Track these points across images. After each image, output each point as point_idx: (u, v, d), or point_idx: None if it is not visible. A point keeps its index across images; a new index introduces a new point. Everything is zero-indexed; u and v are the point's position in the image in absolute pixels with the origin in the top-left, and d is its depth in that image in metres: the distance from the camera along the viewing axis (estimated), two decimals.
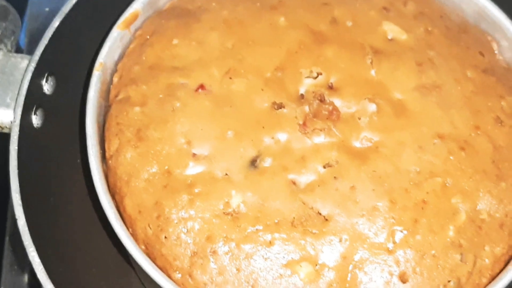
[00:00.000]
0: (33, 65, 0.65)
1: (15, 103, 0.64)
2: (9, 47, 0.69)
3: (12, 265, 0.80)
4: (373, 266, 0.58)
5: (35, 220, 0.60)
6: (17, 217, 0.59)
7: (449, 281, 0.59)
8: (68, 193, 0.68)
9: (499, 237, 0.61)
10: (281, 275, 0.58)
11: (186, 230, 0.59)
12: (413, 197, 0.60)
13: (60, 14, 0.68)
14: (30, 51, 0.89)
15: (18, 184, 0.60)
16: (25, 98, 0.64)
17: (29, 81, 0.64)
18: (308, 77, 0.65)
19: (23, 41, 0.93)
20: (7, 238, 0.81)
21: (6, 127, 0.65)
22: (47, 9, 0.99)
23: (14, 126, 0.63)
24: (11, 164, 0.61)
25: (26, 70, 0.65)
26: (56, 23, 0.67)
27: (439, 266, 0.59)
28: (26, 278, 0.81)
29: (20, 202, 0.59)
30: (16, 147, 0.62)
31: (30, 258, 0.57)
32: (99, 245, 0.68)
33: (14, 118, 0.63)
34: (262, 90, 0.64)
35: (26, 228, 0.58)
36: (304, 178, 0.61)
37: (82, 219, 0.68)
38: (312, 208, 0.60)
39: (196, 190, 0.60)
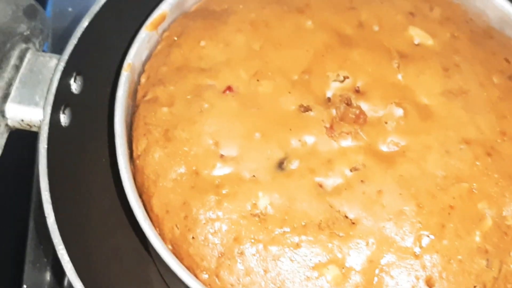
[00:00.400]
0: (62, 64, 0.66)
1: (45, 101, 0.64)
2: (37, 46, 0.70)
3: (35, 262, 0.81)
4: (400, 270, 0.58)
5: (63, 218, 0.60)
6: (46, 215, 0.59)
7: (474, 287, 0.59)
8: (95, 191, 0.69)
9: None
10: (308, 277, 0.58)
11: (213, 230, 0.59)
12: (440, 202, 0.60)
13: (89, 14, 0.68)
14: (53, 50, 0.91)
15: (47, 182, 0.60)
16: (54, 97, 0.65)
17: (58, 80, 0.65)
18: (335, 80, 0.65)
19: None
20: (29, 236, 0.82)
21: (34, 125, 0.66)
22: (70, 9, 1.00)
23: (43, 124, 0.63)
24: (40, 163, 0.61)
25: (55, 69, 0.66)
26: (85, 23, 0.68)
27: (465, 271, 0.59)
28: (48, 275, 0.81)
29: (49, 200, 0.60)
30: (46, 146, 0.62)
31: (60, 256, 0.58)
32: (124, 243, 0.69)
33: (43, 116, 0.64)
34: (289, 92, 0.64)
35: (56, 226, 0.58)
36: (331, 181, 0.61)
37: (107, 217, 0.68)
38: (339, 211, 0.60)
39: (224, 191, 0.60)
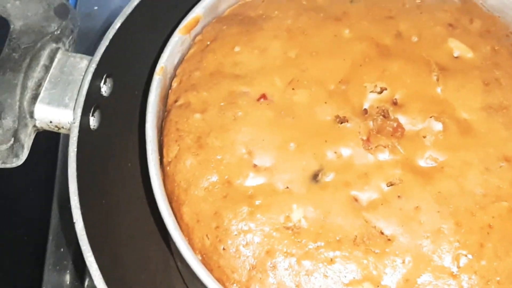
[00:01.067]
0: (93, 66, 0.64)
1: (75, 103, 0.63)
2: (67, 46, 0.69)
3: (55, 265, 0.79)
4: None
5: (91, 224, 0.59)
6: (75, 220, 0.58)
7: None
8: (120, 197, 0.68)
9: None
10: None
11: (245, 242, 0.58)
12: (479, 221, 0.58)
13: (122, 15, 0.67)
14: (79, 50, 0.89)
15: (76, 187, 0.59)
16: (84, 99, 0.63)
17: (89, 82, 0.64)
18: (372, 91, 0.64)
19: None
20: (50, 238, 0.81)
21: (63, 127, 0.64)
22: (96, 7, 0.98)
23: (73, 127, 0.62)
24: (70, 166, 0.60)
25: (86, 71, 0.64)
26: (117, 24, 0.66)
27: None
28: (67, 278, 0.80)
29: (78, 205, 0.58)
30: (75, 149, 0.61)
31: (88, 263, 0.56)
32: (150, 251, 0.68)
33: (74, 119, 0.62)
34: (326, 102, 0.63)
35: (84, 232, 0.57)
36: (367, 195, 0.59)
37: (134, 223, 0.67)
38: (375, 226, 0.58)
39: (257, 202, 0.59)
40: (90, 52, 0.66)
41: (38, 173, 0.86)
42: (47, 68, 0.65)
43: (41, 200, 0.84)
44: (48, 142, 0.85)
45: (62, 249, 0.80)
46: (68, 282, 0.79)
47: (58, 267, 0.80)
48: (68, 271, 0.80)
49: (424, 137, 0.62)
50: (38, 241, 0.81)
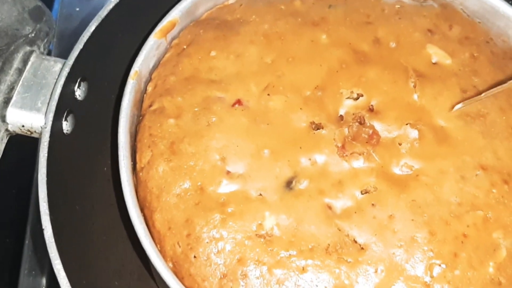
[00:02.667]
0: (66, 69, 0.63)
1: (47, 108, 0.62)
2: (41, 49, 0.68)
3: (31, 270, 0.79)
4: None
5: (61, 231, 0.58)
6: (44, 227, 0.57)
7: None
8: (94, 202, 0.67)
9: None
10: None
11: (216, 250, 0.57)
12: (453, 230, 0.58)
13: (97, 19, 0.66)
14: (59, 53, 0.89)
15: (46, 193, 0.58)
16: (57, 104, 0.62)
17: (62, 86, 0.63)
18: (348, 98, 0.63)
19: (52, 42, 0.92)
20: (26, 243, 0.80)
21: (35, 131, 0.63)
22: (77, 9, 0.98)
23: (44, 132, 0.61)
24: (40, 172, 0.59)
25: (59, 75, 0.63)
26: (92, 27, 0.66)
27: None
28: (43, 283, 0.79)
29: (47, 211, 0.57)
30: (46, 154, 0.60)
31: (56, 271, 0.55)
32: (124, 257, 0.67)
33: (45, 123, 0.61)
34: (301, 109, 0.62)
35: (53, 240, 0.56)
36: (341, 203, 0.59)
37: (108, 230, 0.66)
38: (348, 235, 0.57)
39: (229, 210, 0.58)
40: None
41: (16, 177, 0.85)
42: (20, 71, 0.65)
43: (18, 204, 0.83)
44: (27, 145, 0.84)
45: (39, 254, 0.79)
46: (44, 285, 0.78)
47: (34, 272, 0.79)
48: (44, 276, 0.79)
49: (400, 144, 0.61)
50: (14, 245, 0.80)
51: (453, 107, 0.63)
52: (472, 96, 0.63)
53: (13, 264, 0.80)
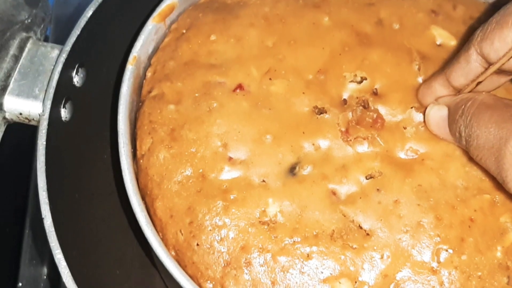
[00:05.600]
0: (64, 56, 0.62)
1: (45, 95, 0.61)
2: (38, 35, 0.66)
3: (31, 260, 0.78)
4: (416, 286, 0.55)
5: (61, 219, 0.57)
6: (43, 216, 0.56)
7: None
8: (95, 190, 0.66)
9: None
10: None
11: (219, 238, 0.56)
12: (460, 214, 0.57)
13: (94, 3, 0.65)
14: (56, 39, 0.87)
15: (45, 181, 0.57)
16: (55, 91, 0.61)
17: (59, 73, 0.61)
18: (352, 81, 0.62)
19: (49, 28, 0.90)
20: (26, 232, 0.79)
21: (33, 119, 0.62)
22: None
23: (43, 119, 0.60)
24: (38, 160, 0.58)
25: (56, 61, 0.62)
26: (89, 12, 0.64)
27: None
28: (44, 273, 0.78)
29: (47, 200, 0.56)
30: (45, 142, 0.59)
31: (56, 260, 0.54)
32: (125, 246, 0.66)
33: (43, 111, 0.60)
34: (303, 93, 0.61)
35: (53, 229, 0.55)
36: (345, 189, 0.58)
37: (108, 218, 0.65)
38: (353, 221, 0.57)
39: (232, 197, 0.57)
40: None
41: (15, 166, 0.84)
42: (16, 58, 0.63)
43: (18, 192, 0.82)
44: (26, 134, 0.82)
45: (39, 243, 0.79)
46: (44, 277, 0.78)
47: (34, 261, 0.78)
48: (45, 265, 0.78)
49: (405, 128, 0.60)
50: (14, 236, 0.80)
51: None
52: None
53: (14, 254, 0.79)
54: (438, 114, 0.58)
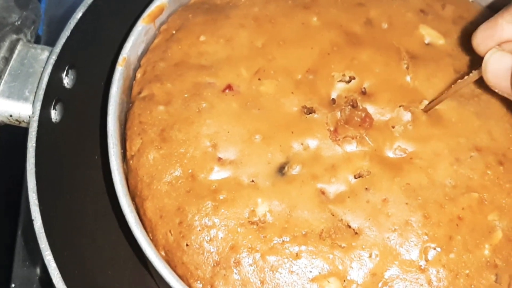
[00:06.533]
0: (54, 57, 0.62)
1: (34, 97, 0.61)
2: (28, 37, 0.67)
3: (24, 260, 0.78)
4: (404, 284, 0.55)
5: (51, 221, 0.57)
6: (33, 218, 0.56)
7: None
8: (85, 191, 0.66)
9: None
10: None
11: (209, 238, 0.56)
12: (448, 213, 0.57)
13: (84, 5, 0.65)
14: (49, 40, 0.87)
15: (35, 183, 0.57)
16: (45, 92, 0.61)
17: (49, 74, 0.62)
18: (340, 81, 0.62)
19: (41, 29, 0.90)
20: (19, 232, 0.79)
21: (23, 121, 0.63)
22: None
23: (32, 121, 0.60)
24: (28, 162, 0.58)
25: (46, 63, 0.62)
26: (78, 14, 0.64)
27: (472, 287, 0.56)
28: (38, 271, 0.79)
29: (37, 202, 0.57)
30: (34, 144, 0.59)
31: (46, 262, 0.55)
32: (117, 246, 0.66)
33: (33, 113, 0.60)
34: (292, 93, 0.61)
35: (43, 231, 0.55)
36: (334, 188, 0.58)
37: (100, 219, 0.65)
38: (341, 220, 0.57)
39: (221, 197, 0.57)
40: None
41: (8, 167, 0.84)
42: (7, 60, 0.63)
43: (11, 194, 0.82)
44: (18, 135, 0.83)
45: (31, 245, 0.79)
46: (37, 278, 0.78)
47: (27, 262, 0.78)
48: (38, 266, 0.79)
49: (393, 127, 0.60)
50: (7, 237, 0.80)
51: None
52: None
53: (6, 255, 0.80)
54: (500, 63, 0.51)
